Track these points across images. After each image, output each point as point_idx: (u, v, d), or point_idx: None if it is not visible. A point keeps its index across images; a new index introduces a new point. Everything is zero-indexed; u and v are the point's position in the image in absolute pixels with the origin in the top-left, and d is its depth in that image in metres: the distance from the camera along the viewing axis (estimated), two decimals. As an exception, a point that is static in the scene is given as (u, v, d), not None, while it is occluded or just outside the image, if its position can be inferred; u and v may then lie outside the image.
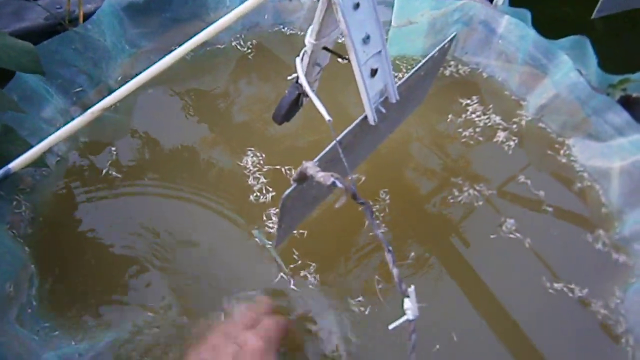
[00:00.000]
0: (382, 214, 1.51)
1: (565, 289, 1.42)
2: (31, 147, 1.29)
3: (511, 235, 1.52)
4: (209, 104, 1.74)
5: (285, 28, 1.94)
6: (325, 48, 1.22)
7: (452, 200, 1.57)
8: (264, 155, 1.61)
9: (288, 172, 1.58)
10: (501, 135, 1.76)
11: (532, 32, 1.78)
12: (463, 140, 1.73)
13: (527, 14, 1.93)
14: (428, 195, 1.59)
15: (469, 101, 1.85)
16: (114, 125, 1.62)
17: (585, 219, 1.58)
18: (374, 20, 1.12)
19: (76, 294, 1.29)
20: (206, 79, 1.80)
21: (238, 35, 1.89)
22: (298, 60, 1.22)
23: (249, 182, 1.53)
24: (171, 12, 1.75)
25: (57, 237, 1.37)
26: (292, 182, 1.10)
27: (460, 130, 1.75)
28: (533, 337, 1.33)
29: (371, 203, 1.55)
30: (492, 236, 1.51)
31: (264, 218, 1.46)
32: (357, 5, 1.08)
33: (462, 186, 1.60)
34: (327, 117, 1.12)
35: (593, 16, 2.04)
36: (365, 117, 1.22)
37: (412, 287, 0.80)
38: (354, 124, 1.20)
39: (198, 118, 1.69)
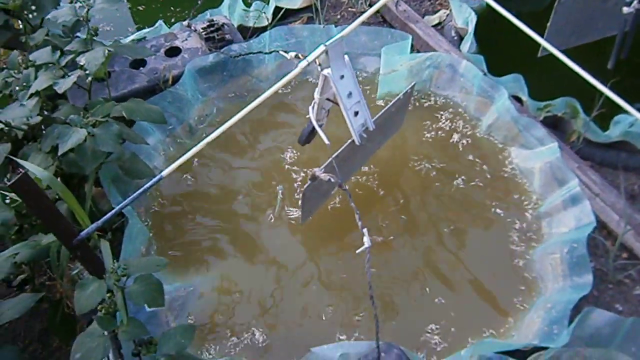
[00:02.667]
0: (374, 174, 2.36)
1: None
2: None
3: (462, 186, 2.32)
4: (261, 127, 2.54)
5: (309, 77, 2.73)
6: (327, 99, 2.00)
7: (417, 168, 2.39)
8: (299, 153, 2.41)
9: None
10: (455, 137, 2.50)
11: (480, 73, 2.50)
12: (437, 138, 2.50)
13: (481, 58, 2.66)
14: (402, 167, 2.40)
15: (442, 112, 2.60)
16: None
17: (519, 201, 2.29)
18: (353, 83, 1.90)
19: (179, 251, 2.10)
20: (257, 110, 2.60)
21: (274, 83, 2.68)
22: (310, 108, 2.00)
23: (293, 176, 2.33)
24: (227, 70, 2.57)
25: (165, 219, 2.20)
26: (308, 180, 1.89)
27: (429, 133, 2.51)
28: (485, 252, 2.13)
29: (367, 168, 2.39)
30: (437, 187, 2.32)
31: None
32: (342, 77, 1.87)
33: (422, 161, 2.41)
34: (326, 141, 1.90)
35: (539, 55, 2.73)
36: (353, 140, 1.99)
37: (366, 229, 1.55)
38: (345, 145, 1.97)
39: (253, 136, 2.50)
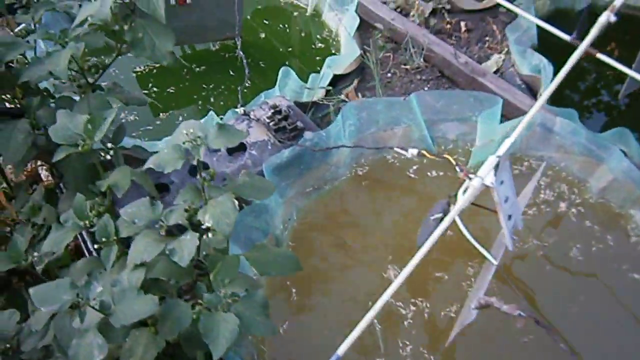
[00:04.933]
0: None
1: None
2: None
3: (580, 258, 2.08)
4: (348, 227, 2.20)
5: (388, 156, 2.40)
6: (474, 204, 1.69)
7: (525, 247, 2.13)
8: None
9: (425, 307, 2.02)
10: (563, 205, 2.25)
11: (582, 129, 2.26)
12: (541, 208, 2.24)
13: (574, 113, 2.41)
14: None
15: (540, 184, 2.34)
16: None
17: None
18: (510, 187, 1.60)
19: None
20: (335, 205, 2.26)
21: (351, 166, 2.35)
22: (456, 217, 1.68)
23: (402, 312, 1.97)
24: (305, 163, 2.21)
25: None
26: (474, 309, 1.57)
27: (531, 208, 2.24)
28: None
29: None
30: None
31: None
32: (502, 182, 1.56)
33: (528, 238, 2.15)
34: (494, 262, 1.59)
35: (619, 99, 2.53)
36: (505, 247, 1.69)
37: None
38: (500, 254, 1.68)
39: (342, 236, 2.15)
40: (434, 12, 3.15)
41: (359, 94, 2.78)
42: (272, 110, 2.25)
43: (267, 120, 2.22)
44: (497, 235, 2.08)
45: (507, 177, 1.58)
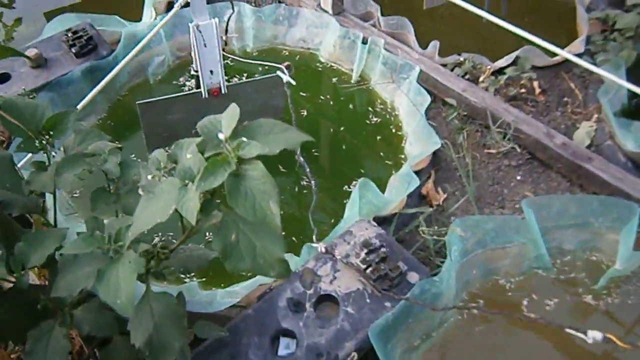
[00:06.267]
0: None
1: None
2: None
3: None
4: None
5: (502, 280, 1.97)
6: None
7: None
8: None
9: None
10: None
11: None
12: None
13: None
14: None
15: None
16: None
17: None
18: None
19: None
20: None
21: (459, 301, 1.92)
22: None
23: None
24: (413, 316, 1.77)
25: None
26: None
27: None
28: None
29: None
30: None
31: None
32: None
33: None
34: None
35: None
36: None
37: None
38: None
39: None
40: (502, 73, 2.73)
41: (439, 189, 2.34)
42: (365, 250, 1.80)
43: (362, 266, 1.77)
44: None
45: None
